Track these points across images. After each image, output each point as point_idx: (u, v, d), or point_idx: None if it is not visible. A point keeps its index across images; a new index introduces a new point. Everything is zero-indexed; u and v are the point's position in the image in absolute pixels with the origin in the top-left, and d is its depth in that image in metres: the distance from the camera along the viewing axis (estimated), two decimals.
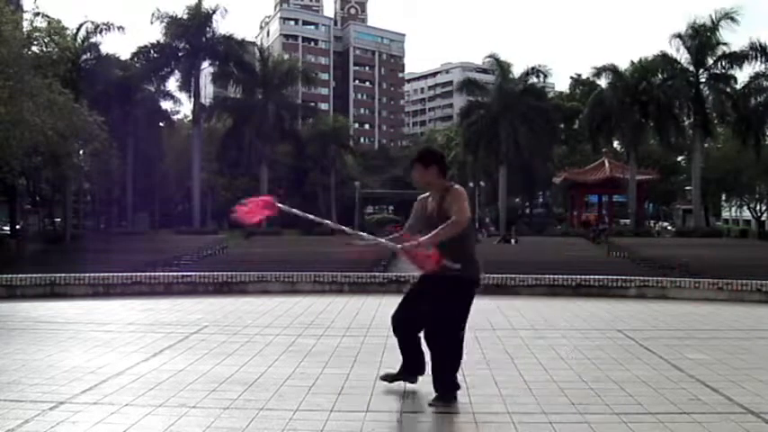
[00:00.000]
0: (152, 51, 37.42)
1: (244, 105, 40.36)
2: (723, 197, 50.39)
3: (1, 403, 3.75)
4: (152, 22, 37.08)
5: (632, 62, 37.71)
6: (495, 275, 10.02)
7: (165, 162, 43.92)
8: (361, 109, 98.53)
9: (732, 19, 33.30)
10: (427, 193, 4.09)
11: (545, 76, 40.48)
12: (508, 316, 7.50)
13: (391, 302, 4.20)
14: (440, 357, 3.93)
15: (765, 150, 36.29)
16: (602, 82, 37.67)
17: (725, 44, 33.77)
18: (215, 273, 10.35)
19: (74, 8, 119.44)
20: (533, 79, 41.02)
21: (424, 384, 4.23)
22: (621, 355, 5.33)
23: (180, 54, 37.43)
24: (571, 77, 47.84)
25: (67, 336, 6.00)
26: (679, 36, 34.13)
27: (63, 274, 9.67)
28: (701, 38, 33.71)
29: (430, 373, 4.00)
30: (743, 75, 34.94)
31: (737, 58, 33.84)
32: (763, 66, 33.68)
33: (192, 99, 38.85)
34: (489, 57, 41.47)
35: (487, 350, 5.47)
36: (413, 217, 4.17)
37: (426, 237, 3.79)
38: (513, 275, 10.07)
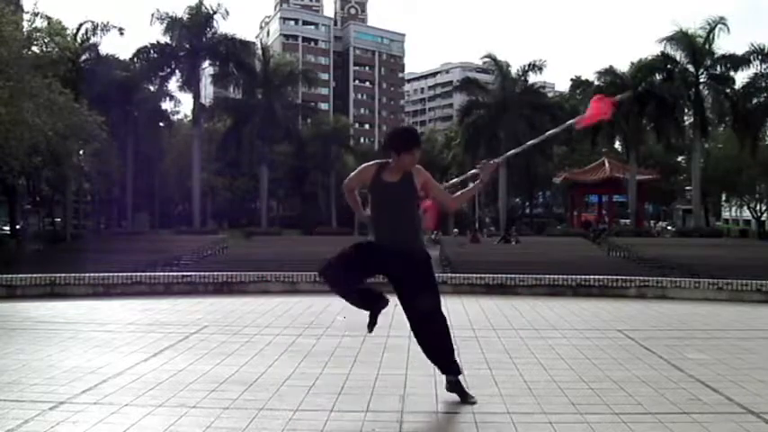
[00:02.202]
0: (152, 51, 37.40)
1: (244, 105, 40.38)
2: (723, 197, 50.43)
3: (1, 403, 3.75)
4: (152, 23, 37.13)
5: (632, 63, 37.80)
6: (495, 275, 10.04)
7: (165, 162, 43.97)
8: (361, 109, 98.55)
9: (724, 25, 33.75)
10: (375, 163, 4.00)
11: (540, 69, 40.38)
12: (508, 316, 7.51)
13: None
14: (448, 331, 3.99)
15: (764, 150, 36.36)
16: (602, 83, 37.72)
17: (713, 53, 34.17)
18: (215, 273, 10.36)
19: (74, 8, 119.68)
20: (532, 77, 41.02)
21: (424, 384, 4.24)
22: (621, 355, 5.33)
23: (180, 54, 37.42)
24: (571, 80, 47.89)
25: (67, 336, 5.99)
26: (676, 37, 34.22)
27: (63, 274, 9.67)
28: (696, 41, 33.92)
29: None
30: (743, 75, 35.11)
31: (738, 61, 33.92)
32: (763, 67, 33.80)
33: (193, 99, 38.89)
34: (486, 57, 41.43)
35: (487, 350, 5.47)
36: (357, 184, 4.06)
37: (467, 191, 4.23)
38: (513, 275, 10.08)
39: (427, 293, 3.93)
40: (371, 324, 4.12)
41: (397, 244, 3.88)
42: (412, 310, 3.96)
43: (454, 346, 4.05)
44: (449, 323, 4.04)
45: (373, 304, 4.07)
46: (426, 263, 3.97)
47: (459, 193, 4.27)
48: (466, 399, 3.90)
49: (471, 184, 4.29)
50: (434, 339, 3.98)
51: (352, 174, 4.10)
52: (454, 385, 3.96)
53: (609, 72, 36.79)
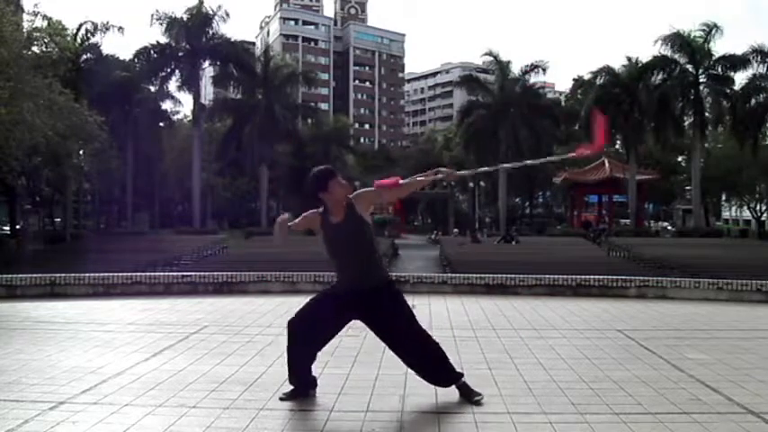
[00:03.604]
0: (152, 52, 37.41)
1: (244, 105, 40.38)
2: (723, 197, 50.41)
3: (1, 403, 3.75)
4: (152, 24, 37.13)
5: (628, 59, 37.71)
6: (495, 275, 10.03)
7: (165, 162, 43.98)
8: (361, 109, 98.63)
9: (719, 29, 33.93)
10: (319, 210, 3.96)
11: (544, 70, 40.31)
12: (508, 316, 7.51)
13: None
14: (432, 346, 3.97)
15: (764, 151, 36.35)
16: (601, 82, 37.73)
17: (711, 53, 34.25)
18: (215, 273, 10.35)
19: (74, 8, 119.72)
20: (533, 77, 40.98)
21: (424, 384, 4.24)
22: (621, 355, 5.33)
23: (180, 55, 37.43)
24: (573, 79, 47.85)
25: (67, 336, 6.00)
26: (674, 38, 34.23)
27: (63, 274, 9.67)
28: (695, 42, 33.98)
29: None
30: (742, 76, 35.13)
31: (738, 62, 33.93)
32: (762, 68, 33.83)
33: (193, 99, 38.89)
34: (487, 54, 41.28)
35: (487, 350, 5.47)
36: (302, 225, 3.99)
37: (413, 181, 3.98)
38: (513, 275, 10.07)
39: (403, 324, 3.91)
40: (289, 397, 3.96)
41: (360, 282, 3.86)
42: (394, 345, 3.99)
43: (446, 354, 4.02)
44: (433, 337, 4.04)
45: (308, 386, 4.03)
46: (390, 290, 3.94)
47: (406, 180, 4.06)
48: (471, 398, 3.90)
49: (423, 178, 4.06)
50: (427, 361, 3.97)
51: (297, 219, 4.03)
52: (462, 388, 3.98)
53: (606, 71, 36.77)
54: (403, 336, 3.94)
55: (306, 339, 3.92)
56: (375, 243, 3.99)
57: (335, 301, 3.93)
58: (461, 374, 4.02)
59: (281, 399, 3.93)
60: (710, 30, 33.83)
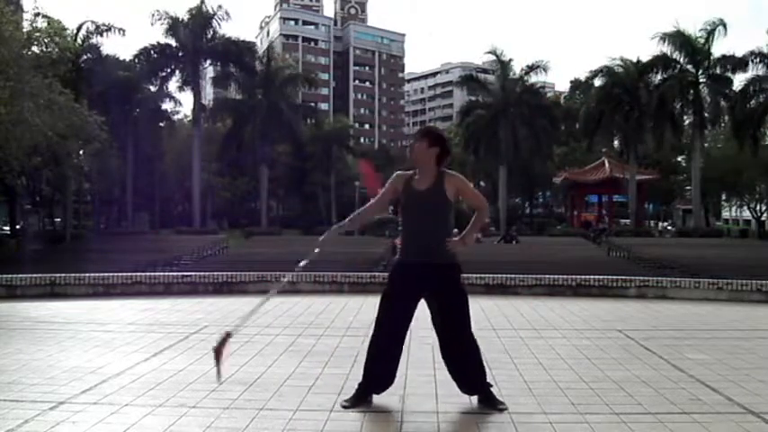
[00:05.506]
0: (153, 52, 37.42)
1: (244, 106, 40.40)
2: (723, 197, 50.39)
3: (1, 403, 3.75)
4: (153, 24, 37.13)
5: (623, 59, 37.64)
6: (495, 275, 10.03)
7: (165, 162, 43.96)
8: (361, 109, 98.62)
9: (724, 27, 33.82)
10: (409, 172, 3.96)
11: (545, 70, 40.25)
12: (508, 316, 7.51)
13: None
14: (476, 354, 3.93)
15: (764, 151, 36.35)
16: (600, 82, 37.73)
17: (710, 53, 34.17)
18: (215, 273, 10.36)
19: (74, 8, 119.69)
20: (534, 77, 40.95)
21: (424, 384, 4.24)
22: (621, 355, 5.33)
23: (181, 55, 37.43)
24: (571, 82, 47.78)
25: (67, 336, 6.00)
26: (673, 36, 34.19)
27: (63, 274, 9.67)
28: (696, 42, 33.94)
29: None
30: (742, 77, 35.08)
31: (737, 63, 33.90)
32: (762, 69, 33.84)
33: (193, 99, 38.90)
34: (490, 52, 41.13)
35: (487, 350, 5.44)
36: (389, 192, 3.98)
37: (468, 235, 3.89)
38: (513, 275, 10.08)
39: (463, 312, 3.87)
40: (357, 401, 3.82)
41: (425, 254, 3.79)
42: (447, 335, 3.90)
43: (484, 366, 3.95)
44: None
45: (379, 383, 3.90)
46: (460, 273, 3.87)
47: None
48: (495, 406, 3.79)
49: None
50: (470, 366, 3.88)
51: (387, 184, 4.02)
52: (485, 401, 3.84)
53: (605, 71, 36.73)
54: (459, 326, 3.86)
55: (390, 322, 3.82)
56: (451, 226, 3.95)
57: (406, 272, 3.85)
58: (491, 385, 3.93)
59: (344, 406, 3.78)
60: (715, 28, 33.73)
